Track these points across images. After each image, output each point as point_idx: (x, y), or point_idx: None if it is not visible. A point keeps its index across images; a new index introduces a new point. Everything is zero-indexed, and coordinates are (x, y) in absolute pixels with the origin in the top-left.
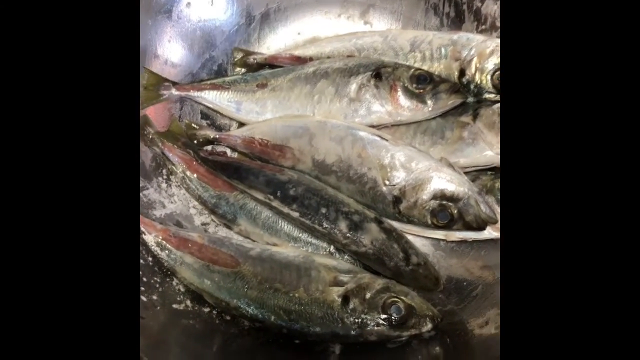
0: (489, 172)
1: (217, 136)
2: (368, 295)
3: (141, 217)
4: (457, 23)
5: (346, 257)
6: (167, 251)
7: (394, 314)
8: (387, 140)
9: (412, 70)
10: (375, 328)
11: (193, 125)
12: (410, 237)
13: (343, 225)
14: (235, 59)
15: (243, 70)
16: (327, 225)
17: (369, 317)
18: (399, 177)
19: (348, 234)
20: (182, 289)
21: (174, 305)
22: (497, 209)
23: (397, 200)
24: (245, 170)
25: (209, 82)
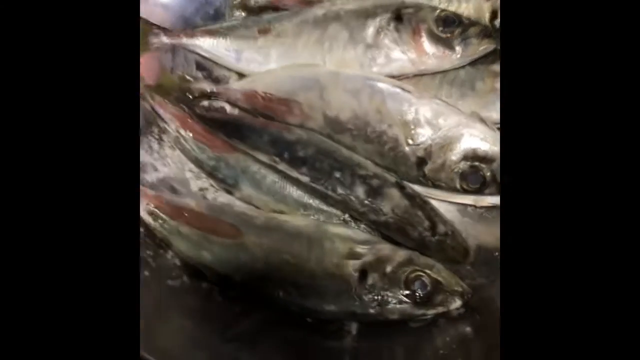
0: None
1: (215, 89)
2: (388, 269)
3: None
4: None
5: (363, 226)
6: (160, 221)
7: (419, 290)
8: (409, 92)
9: (438, 11)
10: (397, 306)
11: (187, 77)
12: (433, 203)
13: (360, 190)
14: (234, 2)
15: (243, 14)
16: (341, 191)
17: (389, 294)
18: (424, 135)
19: (366, 201)
20: (178, 263)
21: (170, 282)
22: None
23: (421, 161)
24: (247, 129)
25: (204, 28)
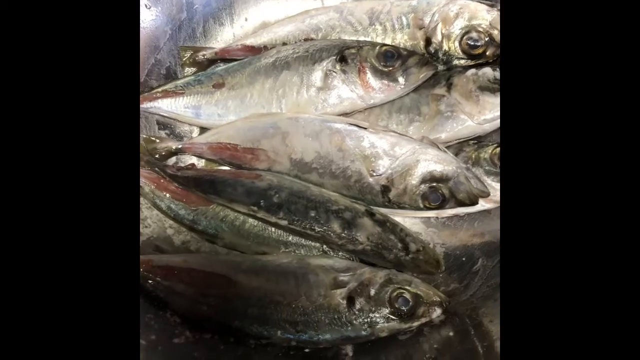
0: (472, 142)
1: (180, 146)
2: (372, 292)
3: None
4: None
5: (340, 253)
6: (154, 283)
7: (402, 307)
8: (365, 128)
9: (378, 47)
10: (386, 324)
11: (152, 138)
12: (399, 218)
13: (336, 225)
14: (184, 59)
15: (194, 69)
16: (319, 229)
17: (377, 315)
18: (384, 165)
19: (343, 234)
20: (179, 320)
21: (175, 340)
22: (486, 180)
23: (385, 189)
24: (221, 183)
25: (160, 89)
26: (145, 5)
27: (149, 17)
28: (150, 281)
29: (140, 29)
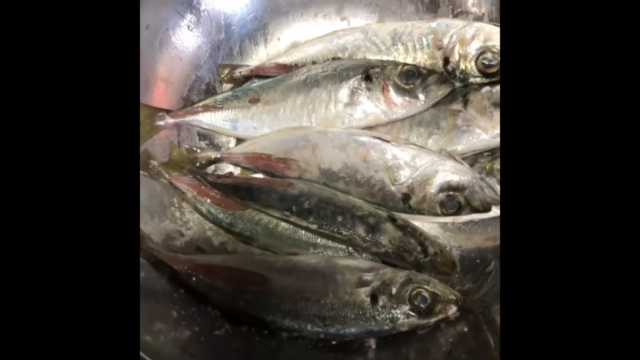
0: (486, 154)
1: (219, 155)
2: (394, 291)
3: (166, 252)
4: (432, 8)
5: (364, 254)
6: (197, 280)
7: (421, 304)
8: (388, 141)
9: (400, 66)
10: (406, 320)
11: (194, 148)
12: (419, 223)
13: (361, 229)
14: (222, 75)
15: (231, 85)
16: (345, 233)
17: (398, 311)
18: (405, 175)
19: (367, 238)
20: (218, 313)
21: (216, 332)
22: (498, 189)
23: (406, 197)
24: (257, 190)
25: (201, 104)
26: (188, 27)
27: (190, 38)
28: (193, 278)
29: (183, 49)
